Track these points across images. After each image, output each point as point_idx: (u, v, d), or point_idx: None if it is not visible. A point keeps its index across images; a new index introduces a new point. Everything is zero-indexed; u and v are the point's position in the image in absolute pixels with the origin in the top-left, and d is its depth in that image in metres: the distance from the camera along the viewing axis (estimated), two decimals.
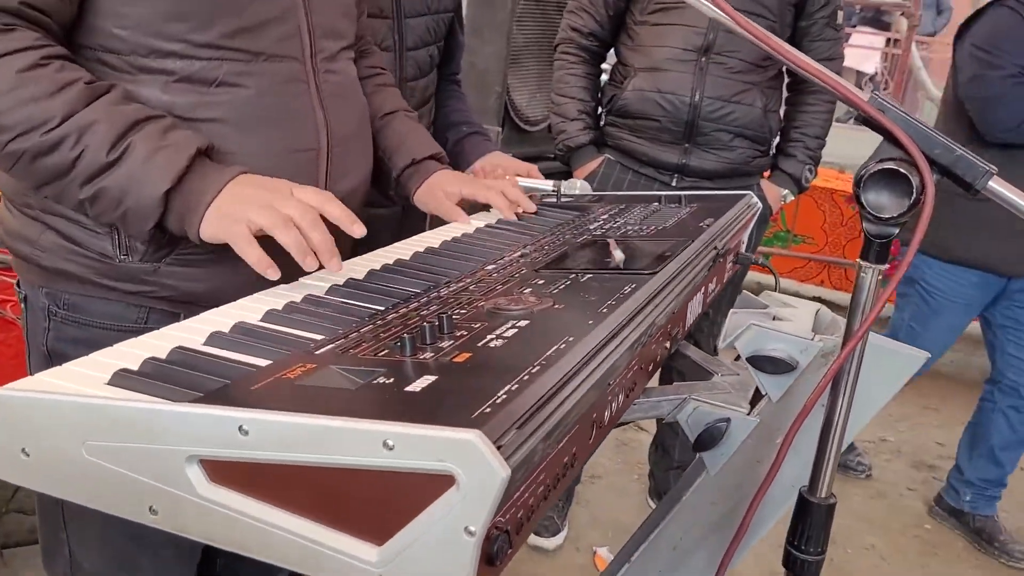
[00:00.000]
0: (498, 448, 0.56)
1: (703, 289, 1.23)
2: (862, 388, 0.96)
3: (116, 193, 1.01)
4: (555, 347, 0.73)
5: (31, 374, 1.26)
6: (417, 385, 0.65)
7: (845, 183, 4.57)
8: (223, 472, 0.62)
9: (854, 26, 9.70)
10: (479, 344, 0.75)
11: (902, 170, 0.79)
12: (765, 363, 0.98)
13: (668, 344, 1.08)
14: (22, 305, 1.22)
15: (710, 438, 0.99)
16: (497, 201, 1.38)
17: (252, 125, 1.12)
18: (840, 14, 2.15)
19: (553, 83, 2.22)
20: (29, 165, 1.00)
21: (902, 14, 4.79)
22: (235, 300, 0.95)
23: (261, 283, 0.99)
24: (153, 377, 0.73)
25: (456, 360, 0.71)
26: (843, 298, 4.47)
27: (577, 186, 1.68)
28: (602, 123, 2.20)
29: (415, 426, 0.57)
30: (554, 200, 1.62)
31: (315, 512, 0.60)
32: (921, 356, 0.97)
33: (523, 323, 0.80)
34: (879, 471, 3.21)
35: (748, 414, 1.00)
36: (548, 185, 1.68)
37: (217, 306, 0.92)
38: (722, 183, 2.10)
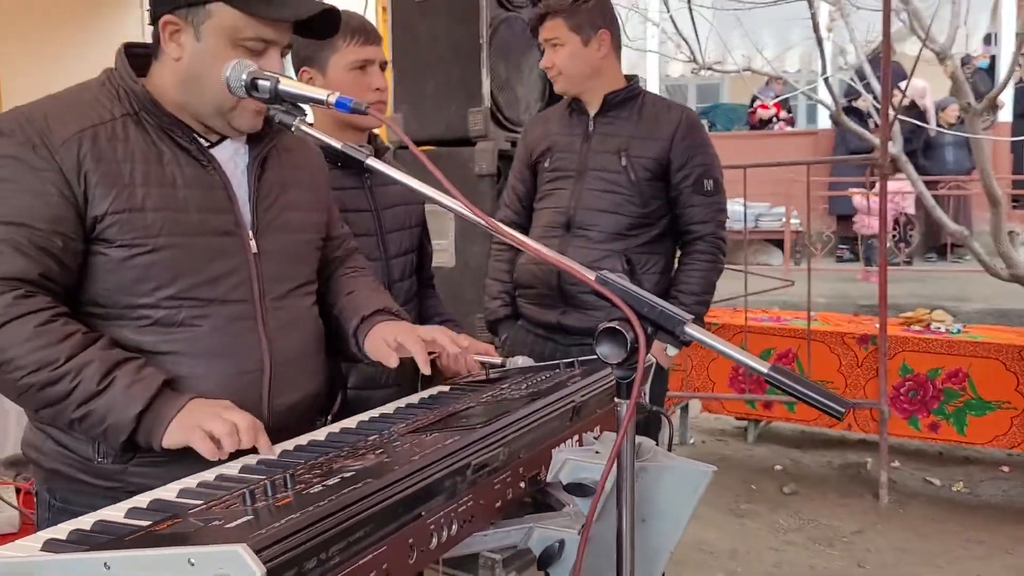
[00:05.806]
0: (260, 555, 0.81)
1: (575, 437, 1.46)
2: (666, 500, 1.17)
3: (102, 413, 1.35)
4: (353, 487, 0.98)
5: None
6: (235, 522, 0.91)
7: (857, 325, 4.71)
8: None
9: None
10: (303, 492, 1.00)
11: (619, 328, 1.05)
12: (577, 489, 1.20)
13: (523, 484, 1.31)
14: (35, 499, 1.56)
15: (548, 557, 1.19)
16: (440, 338, 1.57)
17: (205, 355, 1.46)
18: (708, 182, 2.40)
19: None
20: (37, 393, 1.35)
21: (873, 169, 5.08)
22: None
23: None
24: (72, 541, 1.00)
25: (278, 504, 0.97)
26: (915, 445, 4.40)
27: (519, 362, 1.98)
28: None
29: (209, 547, 0.83)
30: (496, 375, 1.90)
31: None
32: (708, 470, 1.18)
33: (348, 474, 1.06)
34: None
35: (578, 534, 1.21)
36: (498, 360, 2.02)
37: None
38: None
